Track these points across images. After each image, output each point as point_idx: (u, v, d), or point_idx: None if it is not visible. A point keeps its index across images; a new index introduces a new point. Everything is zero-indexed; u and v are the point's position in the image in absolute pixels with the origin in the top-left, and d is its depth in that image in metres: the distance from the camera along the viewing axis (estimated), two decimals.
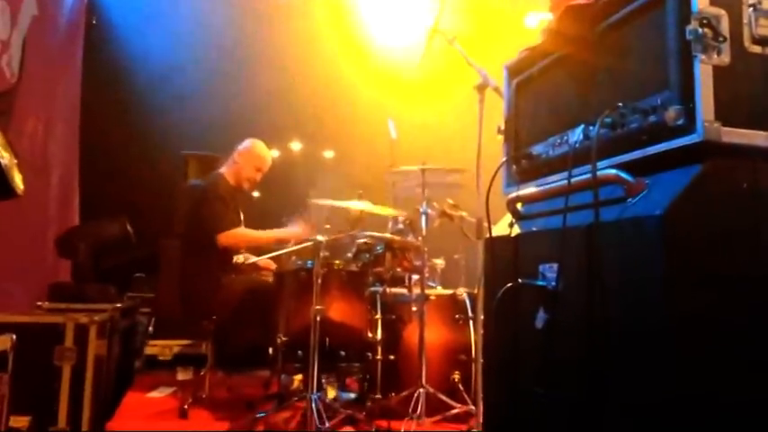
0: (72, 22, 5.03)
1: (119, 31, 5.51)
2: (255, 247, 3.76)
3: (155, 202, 4.73)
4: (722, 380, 1.19)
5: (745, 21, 1.30)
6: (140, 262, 4.71)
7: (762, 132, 1.27)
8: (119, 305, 3.38)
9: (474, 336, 3.28)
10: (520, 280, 1.66)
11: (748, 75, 1.29)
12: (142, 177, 5.07)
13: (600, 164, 1.42)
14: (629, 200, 1.34)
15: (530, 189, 1.79)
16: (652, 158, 1.35)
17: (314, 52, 5.78)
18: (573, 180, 1.46)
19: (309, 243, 2.99)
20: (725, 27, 1.26)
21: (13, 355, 2.44)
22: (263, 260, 3.68)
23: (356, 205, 3.38)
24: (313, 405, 2.73)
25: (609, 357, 1.31)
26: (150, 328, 4.41)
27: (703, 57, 1.25)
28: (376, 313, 3.40)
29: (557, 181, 1.64)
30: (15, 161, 2.03)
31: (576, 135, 1.56)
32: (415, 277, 3.45)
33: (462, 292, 3.52)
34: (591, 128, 1.48)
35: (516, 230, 1.80)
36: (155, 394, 3.68)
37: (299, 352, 2.97)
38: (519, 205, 1.85)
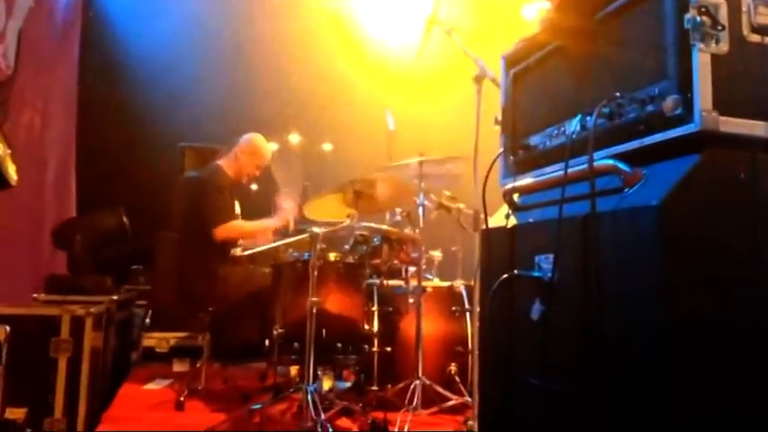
0: (69, 14, 5.01)
1: (115, 23, 5.49)
2: (252, 240, 3.75)
3: (151, 195, 4.72)
4: (720, 372, 1.19)
5: (743, 9, 1.28)
6: (137, 254, 4.70)
7: (760, 122, 1.26)
8: (115, 297, 3.38)
9: (471, 328, 3.28)
10: (516, 271, 1.65)
11: (747, 64, 1.27)
12: (139, 169, 5.06)
13: (597, 154, 1.41)
14: (626, 190, 1.33)
15: (527, 180, 1.78)
16: (650, 148, 1.34)
17: (312, 44, 5.76)
18: (570, 171, 1.45)
19: (306, 235, 2.98)
20: (723, 15, 1.25)
21: (8, 346, 2.44)
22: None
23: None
24: (309, 397, 2.72)
25: (604, 348, 1.30)
26: (147, 320, 4.41)
27: (701, 46, 1.23)
28: (373, 305, 3.40)
29: (554, 172, 1.63)
30: (9, 151, 2.02)
31: (574, 125, 1.55)
32: (412, 269, 3.45)
33: (459, 284, 3.51)
34: (588, 118, 1.47)
35: (513, 222, 1.80)
36: (151, 386, 3.68)
37: (296, 344, 2.96)
38: (516, 196, 1.84)
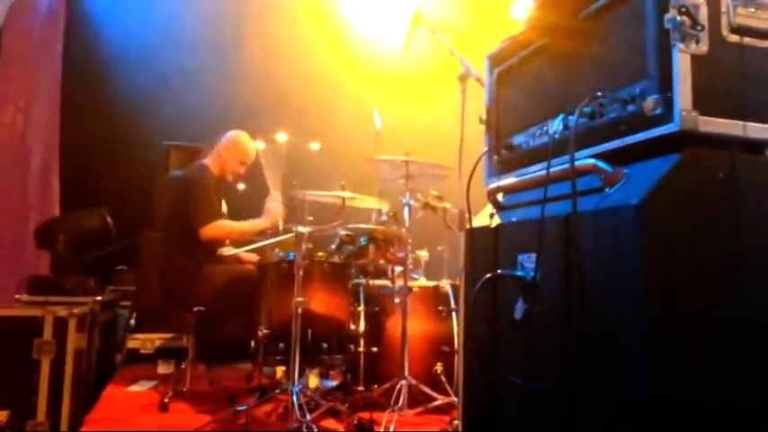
0: (52, 9, 4.95)
1: (100, 21, 5.45)
2: (239, 240, 3.73)
3: (136, 194, 4.69)
4: (701, 370, 1.19)
5: (723, 10, 1.29)
6: (122, 255, 4.66)
7: (739, 122, 1.27)
8: (99, 298, 3.34)
9: (457, 327, 3.29)
10: (499, 270, 1.66)
11: (726, 64, 1.28)
12: (123, 168, 5.02)
13: (579, 154, 1.41)
14: (607, 190, 1.34)
15: (510, 179, 1.78)
16: (631, 148, 1.34)
17: (299, 42, 5.75)
18: (552, 170, 1.45)
19: (292, 234, 2.97)
20: (703, 16, 1.26)
21: None
22: (244, 253, 3.64)
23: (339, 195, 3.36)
24: (295, 398, 2.71)
25: (585, 347, 1.31)
26: (132, 322, 4.38)
27: (681, 46, 1.24)
28: (359, 305, 3.39)
29: (537, 171, 1.63)
30: None
31: (556, 125, 1.55)
32: (399, 269, 3.45)
33: (445, 284, 3.52)
34: (570, 117, 1.47)
35: (497, 221, 1.80)
36: (135, 388, 3.65)
37: (281, 344, 2.95)
38: (500, 196, 1.84)
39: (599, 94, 1.41)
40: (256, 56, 5.56)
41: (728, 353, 1.22)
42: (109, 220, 3.68)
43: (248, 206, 3.75)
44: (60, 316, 2.65)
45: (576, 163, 1.37)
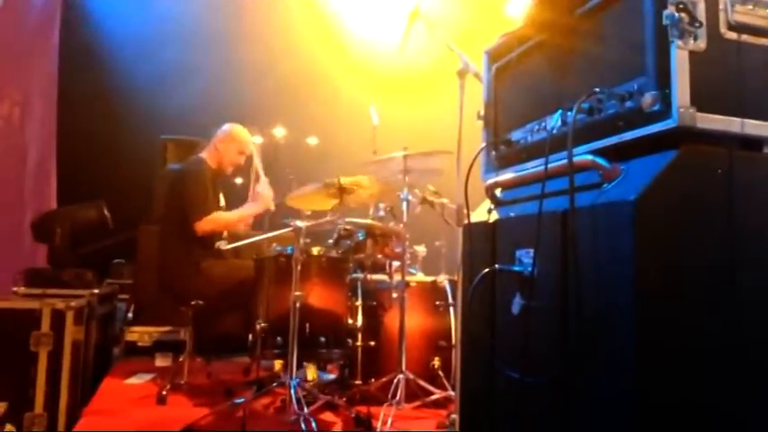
0: (48, 3, 4.94)
1: (97, 14, 5.43)
2: (237, 232, 3.74)
3: (133, 187, 4.69)
4: (692, 365, 1.20)
5: (721, 7, 1.30)
6: (120, 248, 4.67)
7: (736, 119, 1.28)
8: (96, 291, 3.35)
9: (454, 322, 3.30)
10: (497, 266, 1.66)
11: (724, 61, 1.29)
12: (120, 162, 5.02)
13: (577, 150, 1.42)
14: (605, 185, 1.34)
15: (508, 175, 1.79)
16: (628, 144, 1.35)
17: (296, 37, 5.74)
18: (550, 166, 1.45)
19: (290, 229, 2.97)
20: (701, 12, 1.26)
21: None
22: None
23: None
24: (292, 391, 2.72)
25: (581, 342, 1.31)
26: (129, 315, 4.38)
27: (680, 42, 1.24)
28: (356, 300, 3.40)
29: (535, 167, 1.64)
30: None
31: (554, 121, 1.56)
32: (396, 264, 3.45)
33: (443, 279, 3.53)
34: (568, 113, 1.48)
35: (495, 216, 1.80)
36: (133, 380, 3.65)
37: (279, 338, 2.96)
38: (498, 191, 1.85)
39: (597, 90, 1.41)
40: (254, 51, 5.54)
41: (722, 349, 1.23)
42: (106, 213, 3.68)
43: (246, 200, 3.75)
44: (58, 308, 2.65)
45: (574, 159, 1.37)
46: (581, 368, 1.32)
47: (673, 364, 1.19)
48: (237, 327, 3.34)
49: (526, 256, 1.55)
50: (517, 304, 1.56)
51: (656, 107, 1.26)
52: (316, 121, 5.30)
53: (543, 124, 1.65)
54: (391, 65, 5.31)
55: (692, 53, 1.25)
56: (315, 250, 3.22)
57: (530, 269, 1.52)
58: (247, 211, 3.63)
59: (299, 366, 3.02)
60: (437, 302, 3.43)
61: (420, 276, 3.75)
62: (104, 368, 3.80)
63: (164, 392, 3.16)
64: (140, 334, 4.33)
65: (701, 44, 1.26)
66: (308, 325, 2.98)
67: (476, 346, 1.81)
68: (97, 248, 4.08)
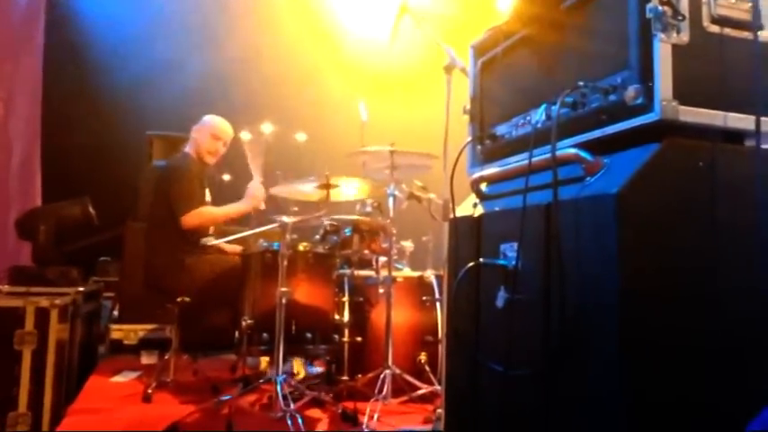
0: (32, 1, 4.88)
1: (82, 10, 5.37)
2: (222, 227, 3.72)
3: (118, 184, 4.64)
4: (674, 358, 1.21)
5: (704, 0, 1.30)
6: (106, 245, 4.62)
7: (719, 112, 1.28)
8: (81, 289, 3.31)
9: (441, 317, 3.30)
10: (481, 259, 1.66)
11: (707, 54, 1.30)
12: (106, 158, 4.97)
13: (561, 143, 1.42)
14: (588, 179, 1.34)
15: (493, 169, 1.79)
16: (612, 137, 1.35)
17: (284, 34, 5.71)
18: (534, 160, 1.45)
19: (276, 225, 2.96)
20: (684, 6, 1.27)
21: None
22: (226, 245, 3.62)
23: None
24: (278, 387, 2.71)
25: (565, 335, 1.32)
26: (115, 313, 4.35)
27: (663, 36, 1.25)
28: (343, 295, 3.39)
29: (519, 161, 1.64)
30: None
31: (539, 115, 1.56)
32: (383, 259, 3.45)
33: (430, 274, 3.53)
34: (552, 107, 1.48)
35: (480, 210, 1.80)
36: (118, 378, 3.63)
37: (265, 335, 2.95)
38: (483, 185, 1.85)
39: (581, 83, 1.41)
40: (241, 47, 5.51)
41: (704, 341, 1.23)
42: (91, 210, 3.63)
43: (234, 197, 3.73)
44: (42, 306, 2.62)
45: (558, 152, 1.37)
46: (564, 362, 1.32)
47: (658, 358, 1.19)
48: (223, 324, 3.32)
49: (510, 250, 1.55)
50: (501, 298, 1.56)
51: (639, 100, 1.27)
52: (304, 117, 5.28)
53: (528, 118, 1.65)
54: (380, 61, 5.30)
55: (674, 46, 1.25)
56: (301, 246, 3.22)
57: (514, 263, 1.52)
58: (236, 208, 3.61)
59: (286, 362, 3.01)
60: (424, 297, 3.43)
61: (407, 272, 3.74)
62: (89, 366, 3.76)
63: (149, 390, 3.14)
64: (126, 332, 4.29)
65: (684, 37, 1.26)
66: (294, 321, 2.97)
67: (461, 340, 1.81)
68: (83, 246, 4.04)
